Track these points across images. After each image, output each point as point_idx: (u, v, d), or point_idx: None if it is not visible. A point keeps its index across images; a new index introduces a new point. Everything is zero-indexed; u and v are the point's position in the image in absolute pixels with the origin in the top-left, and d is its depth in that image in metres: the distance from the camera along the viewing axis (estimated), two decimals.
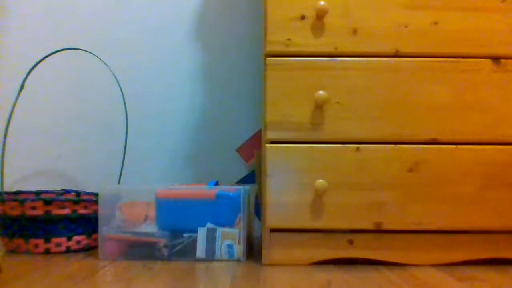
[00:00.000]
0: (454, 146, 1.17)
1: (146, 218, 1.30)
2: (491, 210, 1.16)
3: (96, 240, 1.38)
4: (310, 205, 1.17)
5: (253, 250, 1.37)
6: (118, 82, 1.52)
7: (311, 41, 1.19)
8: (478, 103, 1.18)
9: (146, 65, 1.67)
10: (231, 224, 1.23)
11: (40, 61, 1.47)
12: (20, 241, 1.32)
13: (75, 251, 1.35)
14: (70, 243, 1.34)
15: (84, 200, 1.36)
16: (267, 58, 1.19)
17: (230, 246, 1.21)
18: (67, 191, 1.37)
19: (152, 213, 1.28)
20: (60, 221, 1.32)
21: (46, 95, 1.65)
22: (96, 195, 1.36)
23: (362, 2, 1.19)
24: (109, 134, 1.63)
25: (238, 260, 1.21)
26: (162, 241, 1.22)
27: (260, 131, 1.55)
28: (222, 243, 1.21)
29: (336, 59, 1.19)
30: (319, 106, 1.18)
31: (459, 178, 1.17)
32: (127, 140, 1.56)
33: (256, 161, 1.52)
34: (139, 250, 1.23)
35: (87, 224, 1.37)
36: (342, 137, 1.18)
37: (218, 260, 1.21)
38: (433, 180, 1.17)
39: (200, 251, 1.21)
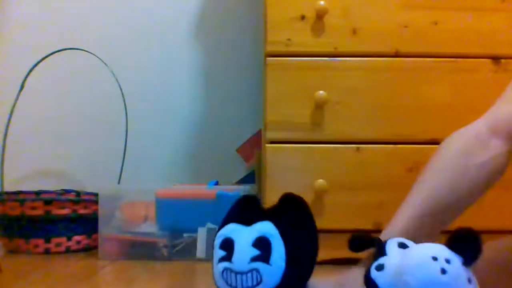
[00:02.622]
0: None
1: (146, 218, 1.30)
2: (491, 210, 1.16)
3: (96, 240, 1.38)
4: (310, 205, 1.16)
5: None
6: (118, 82, 1.51)
7: (311, 41, 1.19)
8: (478, 103, 1.18)
9: (146, 65, 1.67)
10: None
11: (40, 61, 1.47)
12: (20, 241, 1.32)
13: (75, 251, 1.35)
14: (70, 243, 1.34)
15: (84, 200, 1.36)
16: (267, 58, 1.19)
17: None
18: (67, 191, 1.37)
19: (152, 213, 1.28)
20: (60, 221, 1.32)
21: (46, 95, 1.65)
22: (96, 195, 1.36)
23: (362, 2, 1.19)
24: (109, 134, 1.63)
25: None
26: (162, 241, 1.22)
27: (260, 131, 1.55)
28: None
29: (336, 59, 1.19)
30: (319, 106, 1.17)
31: None
32: (127, 140, 1.56)
33: (256, 161, 1.52)
34: (139, 250, 1.23)
35: (87, 224, 1.36)
36: (342, 137, 1.18)
37: None
38: None
39: (200, 251, 1.21)
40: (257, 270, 0.60)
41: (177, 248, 1.22)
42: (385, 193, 1.16)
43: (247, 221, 0.65)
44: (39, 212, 1.31)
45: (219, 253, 0.64)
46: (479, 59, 1.18)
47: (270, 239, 0.62)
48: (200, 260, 1.21)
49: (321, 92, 1.16)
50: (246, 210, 0.68)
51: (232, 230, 0.65)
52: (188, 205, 1.24)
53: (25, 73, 1.45)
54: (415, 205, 0.69)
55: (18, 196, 1.32)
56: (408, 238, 0.59)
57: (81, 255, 1.31)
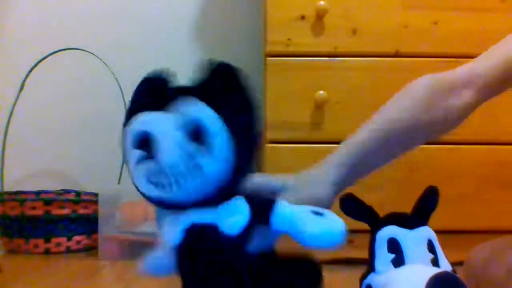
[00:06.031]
0: (454, 146, 1.17)
1: (146, 218, 1.30)
2: (491, 210, 1.16)
3: (96, 240, 1.38)
4: None
5: None
6: (118, 82, 1.51)
7: (311, 41, 1.19)
8: None
9: (146, 65, 1.65)
10: None
11: (40, 61, 1.47)
12: (20, 241, 1.32)
13: (75, 251, 1.35)
14: (70, 243, 1.34)
15: (84, 200, 1.36)
16: (267, 58, 1.19)
17: None
18: (67, 191, 1.37)
19: (152, 213, 1.28)
20: (60, 221, 1.32)
21: (46, 95, 1.65)
22: (96, 195, 1.36)
23: (362, 2, 1.19)
24: (109, 134, 1.63)
25: None
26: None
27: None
28: None
29: (336, 59, 1.19)
30: (319, 106, 1.17)
31: (459, 178, 1.16)
32: None
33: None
34: (139, 250, 1.23)
35: (87, 224, 1.36)
36: (342, 137, 1.18)
37: None
38: (433, 180, 1.16)
39: None
40: (196, 166, 0.46)
41: None
42: (385, 193, 1.16)
43: (161, 105, 0.48)
44: (39, 212, 1.31)
45: (135, 154, 0.48)
46: None
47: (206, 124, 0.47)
48: None
49: (321, 92, 1.16)
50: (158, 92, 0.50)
51: (147, 121, 0.47)
52: None
53: (25, 73, 1.46)
54: (372, 128, 0.70)
55: (18, 196, 1.32)
56: (353, 163, 0.63)
57: (81, 255, 1.31)
